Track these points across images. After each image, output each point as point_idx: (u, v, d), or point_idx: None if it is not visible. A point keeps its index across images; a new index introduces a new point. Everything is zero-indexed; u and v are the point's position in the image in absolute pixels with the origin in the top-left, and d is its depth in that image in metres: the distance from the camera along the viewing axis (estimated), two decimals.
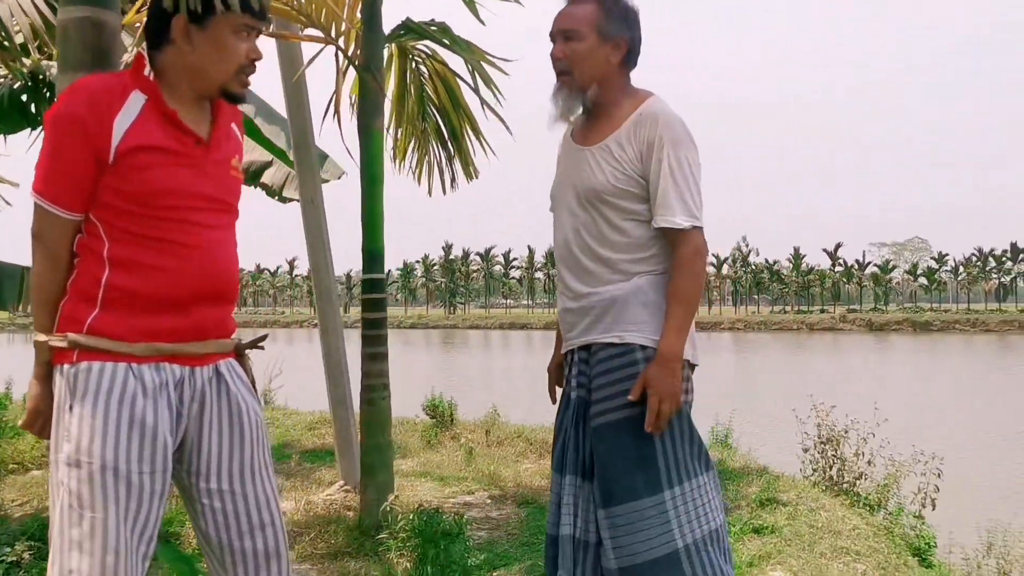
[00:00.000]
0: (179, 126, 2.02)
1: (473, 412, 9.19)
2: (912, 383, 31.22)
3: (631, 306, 2.49)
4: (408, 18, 5.32)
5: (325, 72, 5.18)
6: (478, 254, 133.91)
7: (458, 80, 5.76)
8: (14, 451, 6.97)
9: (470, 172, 6.05)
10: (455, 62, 5.72)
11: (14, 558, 3.92)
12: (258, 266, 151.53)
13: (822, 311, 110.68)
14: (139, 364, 1.96)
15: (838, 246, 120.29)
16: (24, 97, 6.07)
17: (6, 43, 4.63)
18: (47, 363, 2.01)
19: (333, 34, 5.03)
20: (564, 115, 2.61)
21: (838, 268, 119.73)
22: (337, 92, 5.12)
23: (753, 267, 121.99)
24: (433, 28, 5.34)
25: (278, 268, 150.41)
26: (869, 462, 5.69)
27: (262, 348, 2.38)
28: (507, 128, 5.69)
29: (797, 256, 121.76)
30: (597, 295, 2.52)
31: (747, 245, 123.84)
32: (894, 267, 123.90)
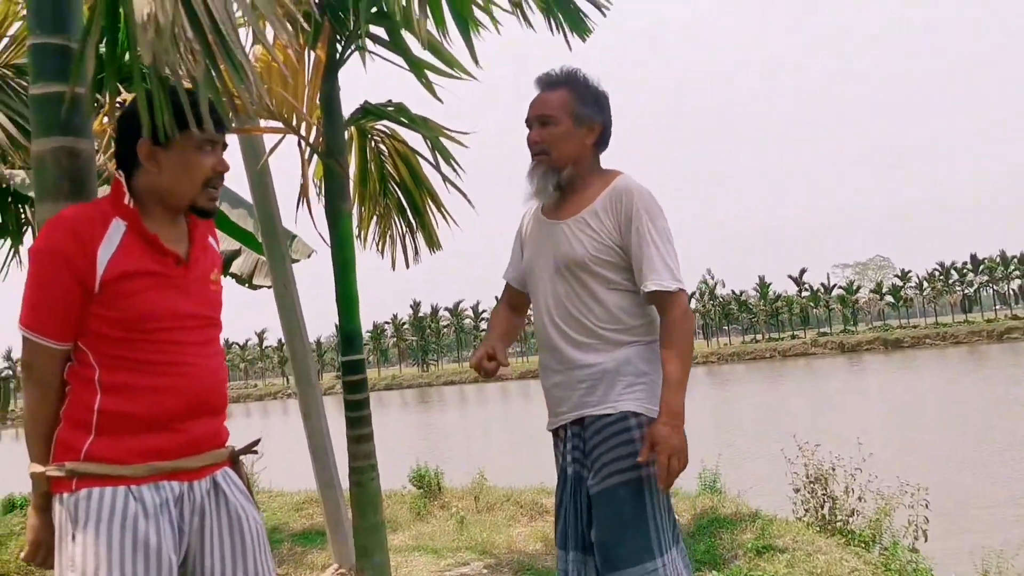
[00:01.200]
0: (159, 249, 2.07)
1: (460, 478, 9.13)
2: (891, 404, 31.51)
3: (622, 375, 2.57)
4: (366, 101, 5.42)
5: (288, 156, 5.24)
6: (447, 309, 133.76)
7: (417, 156, 5.85)
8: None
9: (433, 243, 6.13)
10: (414, 138, 5.83)
11: None
12: (226, 341, 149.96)
13: (793, 337, 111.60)
14: (138, 485, 1.98)
15: (803, 271, 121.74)
16: None
17: None
18: (45, 494, 2.01)
19: (295, 123, 5.10)
20: (540, 193, 2.71)
21: (805, 293, 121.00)
22: (304, 179, 5.17)
23: (721, 299, 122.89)
24: (391, 108, 5.44)
25: (247, 341, 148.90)
26: (860, 498, 5.74)
27: (256, 453, 2.41)
28: (469, 202, 5.77)
29: (763, 285, 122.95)
30: (588, 367, 2.59)
31: (712, 277, 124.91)
32: (859, 287, 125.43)
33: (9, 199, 5.81)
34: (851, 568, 4.47)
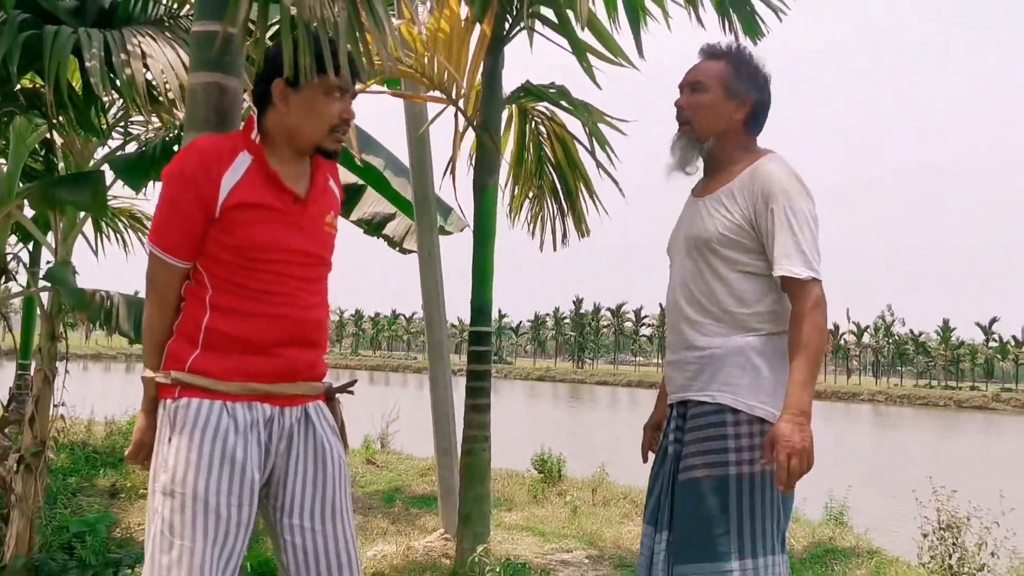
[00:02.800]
0: (279, 185, 2.19)
1: (583, 470, 9.14)
2: None
3: (728, 366, 2.46)
4: (528, 81, 5.50)
5: (448, 131, 5.39)
6: (609, 309, 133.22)
7: (575, 141, 5.88)
8: (145, 477, 7.41)
9: (582, 229, 6.15)
10: (573, 123, 5.86)
11: None
12: (394, 311, 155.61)
13: (973, 388, 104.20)
14: (233, 402, 2.12)
15: (993, 320, 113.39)
16: (176, 148, 6.57)
17: (161, 98, 5.05)
18: (153, 398, 2.20)
19: (454, 95, 5.25)
20: (681, 165, 2.65)
21: (992, 344, 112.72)
22: (455, 150, 5.32)
23: (897, 337, 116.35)
24: (552, 91, 5.50)
25: (413, 314, 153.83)
26: (992, 553, 5.34)
27: (351, 393, 2.51)
28: (620, 190, 5.77)
29: (946, 328, 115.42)
30: (697, 351, 2.51)
31: (892, 314, 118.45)
32: None
33: None
34: None
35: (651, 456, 2.80)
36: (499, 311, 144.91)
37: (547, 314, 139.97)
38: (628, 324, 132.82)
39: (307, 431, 2.25)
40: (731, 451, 2.40)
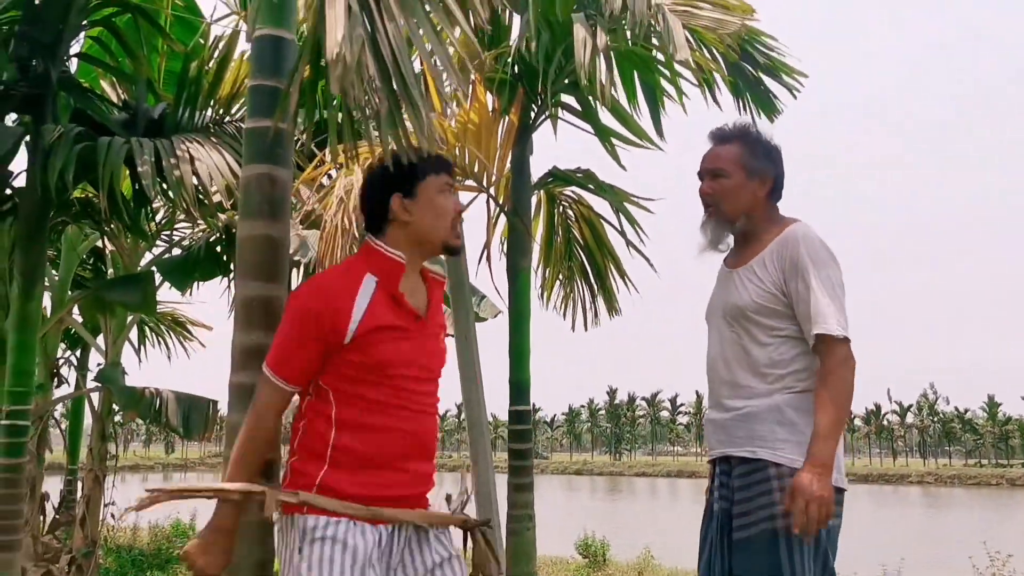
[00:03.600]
0: (404, 306, 2.29)
1: (627, 554, 9.02)
2: None
3: (766, 423, 2.55)
4: (555, 167, 5.73)
5: (480, 218, 5.60)
6: (644, 399, 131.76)
7: (603, 221, 6.07)
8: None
9: (613, 308, 6.28)
10: (600, 204, 6.06)
11: None
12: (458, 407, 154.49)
13: None
14: (359, 522, 2.16)
15: None
16: (218, 248, 6.84)
17: (205, 201, 5.31)
18: (230, 511, 2.25)
19: (485, 183, 5.47)
20: (713, 245, 2.79)
21: None
22: (489, 236, 5.51)
23: (942, 415, 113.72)
24: (579, 175, 5.72)
25: (446, 412, 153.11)
26: None
27: (490, 527, 2.55)
28: (651, 265, 5.92)
29: (992, 404, 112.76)
30: (736, 410, 2.61)
31: (935, 392, 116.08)
32: None
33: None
34: None
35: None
36: (533, 404, 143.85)
37: (582, 406, 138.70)
38: (664, 413, 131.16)
39: (420, 547, 2.29)
40: (777, 504, 2.47)
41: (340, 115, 2.63)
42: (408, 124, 2.58)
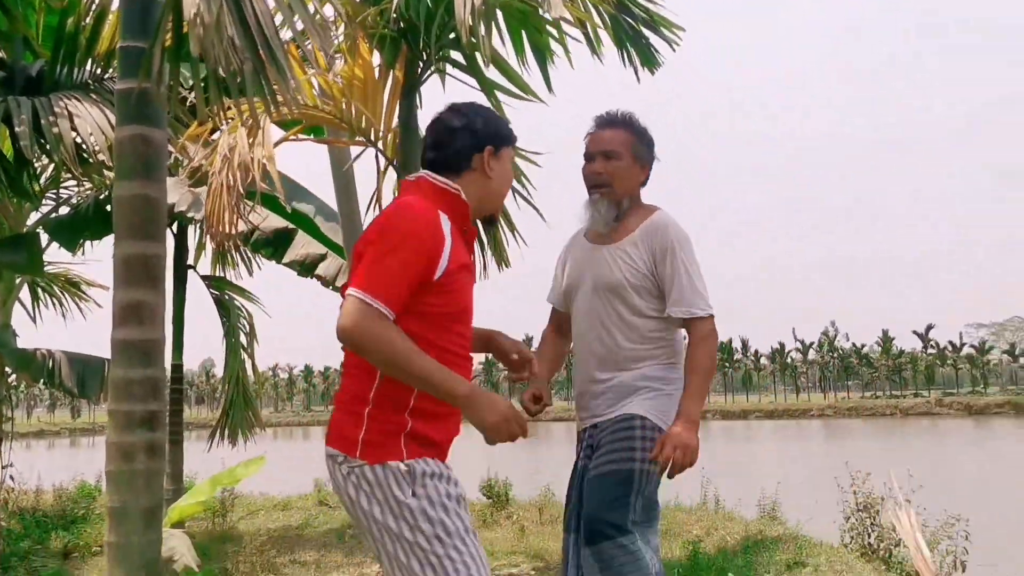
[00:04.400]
0: (471, 246, 2.32)
1: (531, 494, 9.38)
2: (992, 463, 30.13)
3: (639, 389, 2.88)
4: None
5: (370, 172, 5.70)
6: None
7: None
8: (98, 535, 7.47)
9: (503, 260, 6.47)
10: None
11: None
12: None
13: (916, 395, 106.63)
14: (439, 459, 2.21)
15: (929, 327, 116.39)
16: (108, 207, 6.77)
17: (90, 159, 5.27)
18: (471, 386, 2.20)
19: (373, 138, 5.56)
20: (600, 222, 3.00)
21: (931, 351, 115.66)
22: (378, 190, 5.63)
23: (841, 351, 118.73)
24: None
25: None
26: None
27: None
28: (541, 216, 6.12)
29: (887, 339, 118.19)
30: (607, 381, 2.92)
31: (835, 329, 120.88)
32: (991, 348, 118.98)
33: None
34: None
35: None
36: None
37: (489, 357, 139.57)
38: None
39: None
40: (638, 450, 2.79)
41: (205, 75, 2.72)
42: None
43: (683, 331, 2.98)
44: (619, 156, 2.96)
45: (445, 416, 2.23)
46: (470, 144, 2.31)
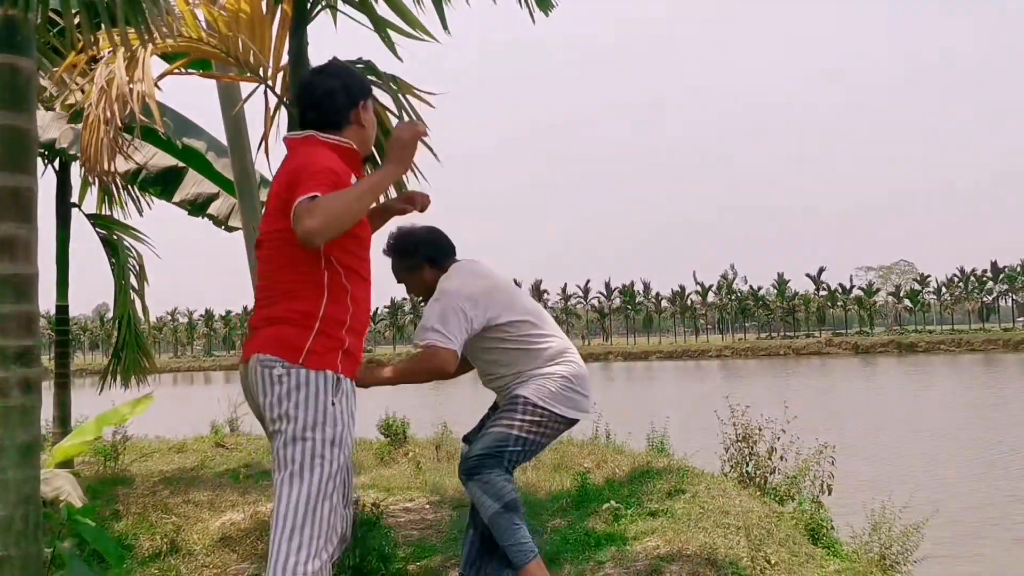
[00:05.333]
0: None
1: (430, 432, 9.53)
2: (868, 397, 32.19)
3: (518, 387, 3.64)
4: (334, 57, 5.75)
5: (259, 109, 5.59)
6: None
7: (387, 114, 6.19)
8: None
9: None
10: (385, 99, 6.16)
11: None
12: (245, 308, 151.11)
13: (808, 336, 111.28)
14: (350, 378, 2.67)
15: (821, 270, 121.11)
16: None
17: None
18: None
19: (262, 74, 5.45)
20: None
21: (823, 293, 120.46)
22: (267, 127, 5.53)
23: (739, 294, 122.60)
24: (360, 66, 5.78)
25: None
26: (782, 457, 6.07)
27: None
28: (435, 155, 6.13)
29: (782, 282, 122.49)
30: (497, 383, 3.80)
31: (735, 272, 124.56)
32: (878, 290, 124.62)
33: None
34: (745, 508, 4.80)
35: None
36: None
37: (404, 299, 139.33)
38: None
39: None
40: (517, 416, 3.51)
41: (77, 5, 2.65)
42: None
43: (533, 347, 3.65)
44: (412, 280, 3.82)
45: (362, 336, 2.71)
46: (347, 103, 2.74)
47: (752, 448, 6.08)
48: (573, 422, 3.64)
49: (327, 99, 2.73)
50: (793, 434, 6.40)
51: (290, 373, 2.53)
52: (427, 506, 6.30)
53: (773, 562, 4.06)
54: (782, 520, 4.96)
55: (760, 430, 6.14)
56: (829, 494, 5.71)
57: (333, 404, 2.54)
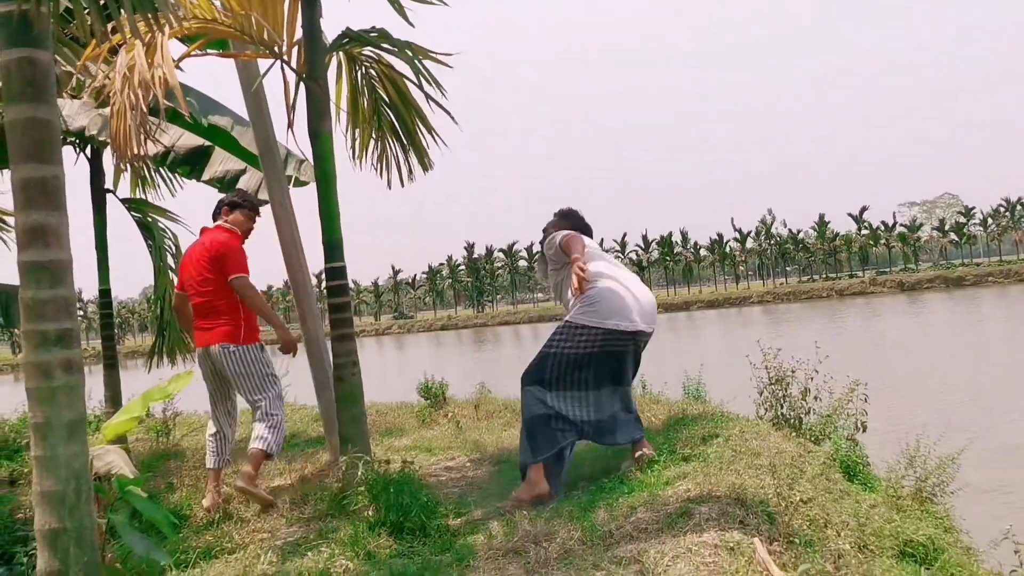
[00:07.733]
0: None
1: (469, 393, 9.67)
2: (916, 333, 31.81)
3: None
4: (348, 28, 5.81)
5: (279, 85, 5.66)
6: (501, 250, 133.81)
7: (405, 80, 6.24)
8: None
9: (425, 164, 6.53)
10: (401, 65, 6.20)
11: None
12: (285, 282, 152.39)
13: (851, 276, 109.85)
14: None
15: (863, 209, 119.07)
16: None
17: None
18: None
19: (277, 51, 5.53)
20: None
21: (864, 232, 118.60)
22: (287, 101, 5.62)
23: (778, 238, 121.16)
24: (373, 34, 5.83)
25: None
26: (816, 398, 6.09)
27: None
28: (452, 119, 6.16)
29: (822, 223, 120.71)
30: None
31: (772, 216, 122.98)
32: (922, 225, 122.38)
33: None
34: (779, 449, 4.86)
35: None
36: (392, 266, 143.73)
37: (441, 264, 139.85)
38: (522, 263, 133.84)
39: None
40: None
41: None
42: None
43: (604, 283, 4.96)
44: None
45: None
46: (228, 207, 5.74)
47: (786, 390, 6.10)
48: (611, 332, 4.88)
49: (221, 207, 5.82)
50: (829, 375, 6.41)
51: (239, 349, 5.54)
52: (467, 464, 6.44)
53: (805, 499, 4.11)
54: (814, 458, 5.00)
55: (792, 372, 6.15)
56: (864, 431, 5.73)
57: (262, 359, 5.63)
